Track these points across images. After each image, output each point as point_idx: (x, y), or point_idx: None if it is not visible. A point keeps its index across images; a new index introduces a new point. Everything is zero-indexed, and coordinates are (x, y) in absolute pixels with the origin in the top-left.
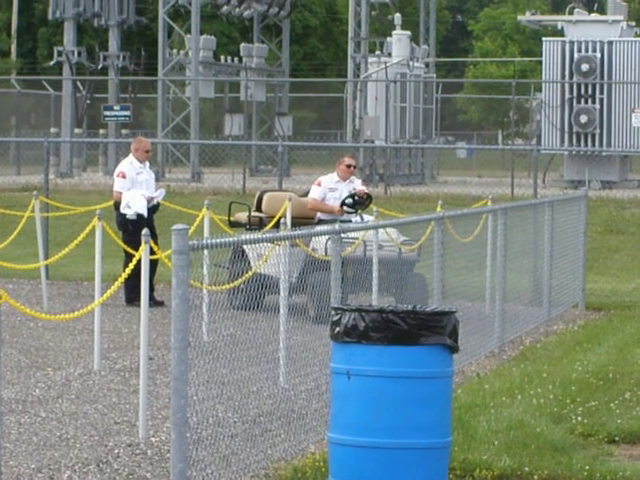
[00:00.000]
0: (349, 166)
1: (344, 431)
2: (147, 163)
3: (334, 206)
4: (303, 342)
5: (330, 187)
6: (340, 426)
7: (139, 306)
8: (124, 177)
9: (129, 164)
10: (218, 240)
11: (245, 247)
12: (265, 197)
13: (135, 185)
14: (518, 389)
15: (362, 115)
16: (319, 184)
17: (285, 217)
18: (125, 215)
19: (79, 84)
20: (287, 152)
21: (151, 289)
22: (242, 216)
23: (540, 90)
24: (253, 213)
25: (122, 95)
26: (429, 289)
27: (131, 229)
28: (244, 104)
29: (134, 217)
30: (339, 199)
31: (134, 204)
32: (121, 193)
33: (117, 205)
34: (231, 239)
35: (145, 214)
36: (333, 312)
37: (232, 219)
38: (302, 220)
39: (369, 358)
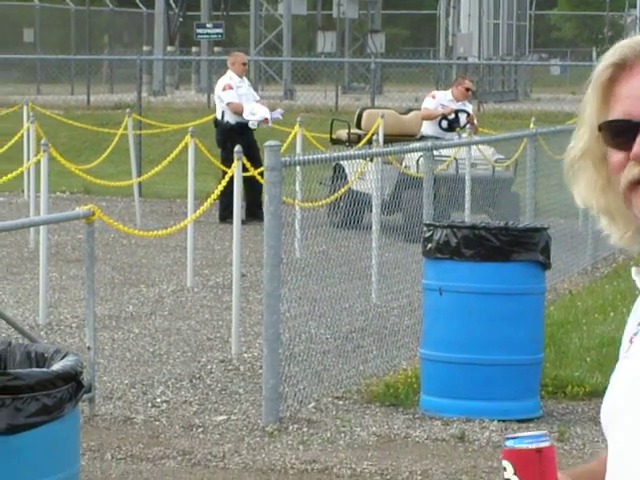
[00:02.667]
0: (468, 89)
1: (436, 347)
2: (244, 78)
3: (444, 109)
4: (395, 259)
5: (443, 104)
6: (432, 342)
7: (232, 224)
8: (231, 88)
9: (229, 79)
10: (310, 157)
11: (344, 164)
12: (364, 114)
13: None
14: (610, 306)
15: (455, 32)
16: (434, 97)
17: (378, 134)
18: (231, 128)
19: (172, 2)
20: (380, 69)
21: (259, 206)
22: (342, 133)
23: (635, 6)
24: (353, 130)
25: (214, 13)
26: (522, 206)
27: (229, 146)
28: (337, 21)
29: (255, 125)
30: (447, 118)
31: (258, 111)
32: (236, 103)
33: (217, 122)
34: (322, 156)
35: (269, 119)
36: (425, 229)
37: (333, 137)
38: (403, 138)
39: (461, 274)
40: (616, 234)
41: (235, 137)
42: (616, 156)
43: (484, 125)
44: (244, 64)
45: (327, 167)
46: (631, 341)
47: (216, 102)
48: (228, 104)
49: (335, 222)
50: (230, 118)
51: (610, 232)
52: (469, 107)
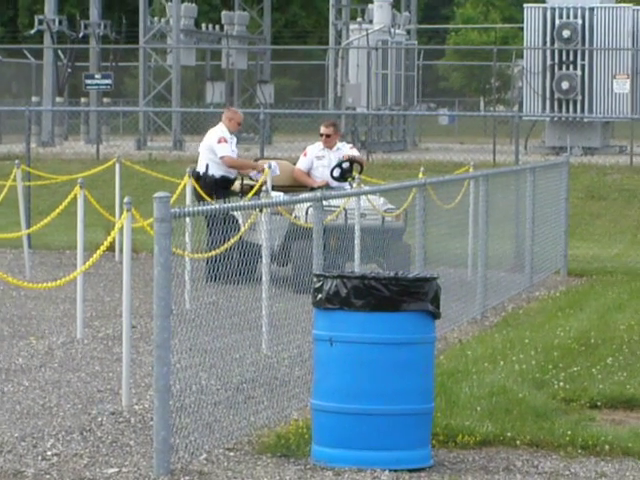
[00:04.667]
0: (322, 135)
1: (327, 398)
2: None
3: (314, 181)
4: (285, 309)
5: (317, 155)
6: (323, 393)
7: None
8: (226, 142)
9: (222, 132)
10: (199, 208)
11: (237, 215)
12: None
13: None
14: (500, 355)
15: (344, 82)
16: (305, 154)
17: (266, 184)
18: (215, 182)
19: (60, 53)
20: (269, 119)
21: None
22: (236, 184)
23: (522, 57)
24: (245, 181)
25: (103, 63)
26: (412, 256)
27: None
28: (225, 72)
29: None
30: (328, 166)
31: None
32: (231, 157)
33: (199, 175)
34: (211, 207)
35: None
36: (315, 279)
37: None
38: (298, 188)
39: (351, 325)
40: None
41: (219, 191)
42: None
43: (373, 175)
44: (239, 124)
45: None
46: None
47: (201, 154)
48: (222, 157)
49: (223, 273)
50: (215, 171)
51: None
52: (348, 148)
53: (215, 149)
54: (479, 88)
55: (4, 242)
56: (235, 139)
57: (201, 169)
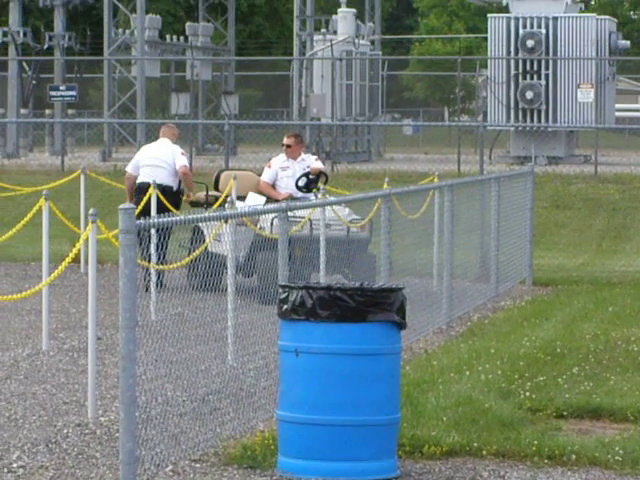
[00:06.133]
0: (283, 145)
1: (293, 409)
2: None
3: (279, 194)
4: (251, 320)
5: (281, 166)
6: (289, 404)
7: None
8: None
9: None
10: (164, 219)
11: (203, 226)
12: (222, 176)
13: None
14: (466, 365)
15: (308, 93)
16: (269, 166)
17: (232, 195)
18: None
19: (25, 64)
20: (233, 130)
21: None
22: (201, 195)
23: (486, 66)
24: (210, 192)
25: (68, 75)
26: (378, 266)
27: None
28: (190, 83)
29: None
30: (292, 176)
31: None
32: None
33: (171, 189)
34: (176, 218)
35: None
36: (281, 290)
37: (192, 199)
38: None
39: (317, 335)
40: None
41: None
42: None
43: (338, 186)
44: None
45: (186, 229)
46: None
47: (165, 169)
48: (184, 166)
49: (194, 284)
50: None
51: None
52: (313, 160)
53: (180, 160)
54: (443, 98)
55: None
56: None
57: (173, 183)
